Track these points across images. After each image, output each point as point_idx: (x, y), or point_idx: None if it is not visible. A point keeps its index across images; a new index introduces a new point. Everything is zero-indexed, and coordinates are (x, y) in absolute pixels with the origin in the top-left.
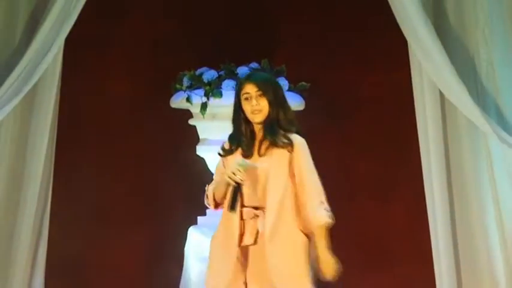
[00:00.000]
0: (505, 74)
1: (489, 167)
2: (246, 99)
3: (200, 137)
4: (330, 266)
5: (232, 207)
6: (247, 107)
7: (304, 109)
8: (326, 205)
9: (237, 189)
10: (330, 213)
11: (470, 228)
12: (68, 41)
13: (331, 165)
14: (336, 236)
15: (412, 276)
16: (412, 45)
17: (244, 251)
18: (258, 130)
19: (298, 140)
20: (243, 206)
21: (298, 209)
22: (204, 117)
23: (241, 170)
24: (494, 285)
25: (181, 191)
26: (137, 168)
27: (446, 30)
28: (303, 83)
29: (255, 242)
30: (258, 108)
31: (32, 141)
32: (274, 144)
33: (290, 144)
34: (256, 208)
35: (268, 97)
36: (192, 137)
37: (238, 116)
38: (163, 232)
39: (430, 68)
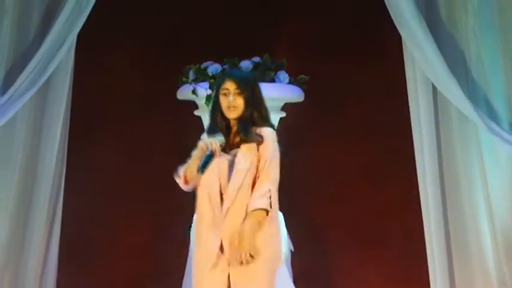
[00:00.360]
0: (494, 68)
1: (479, 155)
2: (224, 94)
3: (205, 127)
4: (244, 244)
5: (201, 170)
6: (224, 102)
7: (303, 100)
8: (270, 189)
9: (209, 157)
10: (269, 202)
11: (460, 212)
12: (80, 35)
13: (329, 152)
14: (334, 217)
15: (405, 257)
16: (406, 40)
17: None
18: (233, 125)
19: (268, 132)
20: (222, 195)
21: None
22: (208, 108)
23: (216, 142)
24: (484, 264)
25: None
26: (146, 155)
27: (438, 26)
28: (303, 76)
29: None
30: (233, 104)
31: (46, 130)
32: (245, 141)
33: (261, 141)
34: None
35: (245, 96)
36: (197, 127)
37: (216, 109)
38: (169, 214)
39: (423, 62)
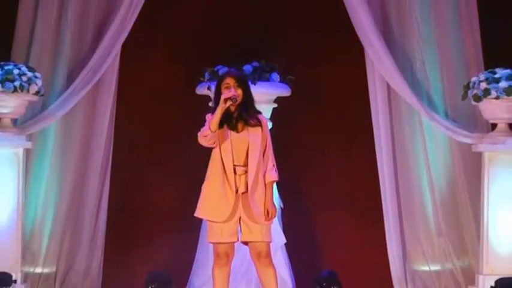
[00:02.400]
0: (433, 71)
1: (421, 135)
2: (226, 87)
3: None
4: (269, 209)
5: (220, 125)
6: (226, 94)
7: (290, 95)
8: (275, 167)
9: (225, 113)
10: (277, 173)
11: (408, 178)
12: (123, 45)
13: (309, 133)
14: (313, 183)
15: (367, 213)
16: (367, 49)
17: (237, 197)
18: (234, 111)
19: (265, 121)
20: (234, 165)
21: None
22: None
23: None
24: (425, 218)
25: (204, 153)
26: (173, 137)
27: (391, 40)
28: (290, 76)
29: (246, 190)
30: (238, 93)
31: (98, 115)
32: (246, 122)
33: (259, 123)
34: (243, 166)
35: (243, 88)
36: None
37: (218, 98)
38: (192, 180)
39: (380, 66)
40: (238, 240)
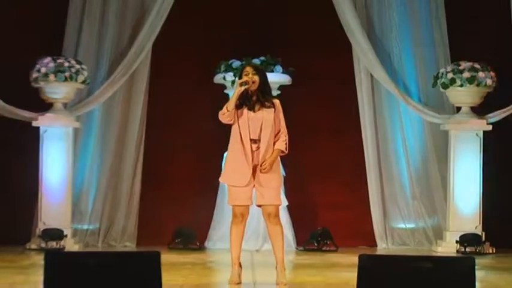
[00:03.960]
0: (408, 62)
1: (399, 116)
2: (246, 75)
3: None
4: (267, 163)
5: (239, 105)
6: (246, 79)
7: (291, 83)
8: (286, 139)
9: (244, 94)
10: (286, 145)
11: (387, 152)
12: (155, 41)
13: (306, 115)
14: (308, 157)
15: (353, 182)
16: (353, 45)
17: (254, 168)
18: (252, 95)
19: (277, 102)
20: (251, 139)
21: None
22: (233, 88)
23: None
24: (402, 184)
25: (221, 131)
26: (193, 118)
27: (373, 36)
28: (291, 68)
29: (259, 163)
30: (253, 80)
31: (133, 99)
32: (262, 104)
33: (273, 106)
34: (257, 141)
35: (259, 75)
36: (226, 100)
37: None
38: (211, 154)
39: (364, 59)
40: (252, 203)
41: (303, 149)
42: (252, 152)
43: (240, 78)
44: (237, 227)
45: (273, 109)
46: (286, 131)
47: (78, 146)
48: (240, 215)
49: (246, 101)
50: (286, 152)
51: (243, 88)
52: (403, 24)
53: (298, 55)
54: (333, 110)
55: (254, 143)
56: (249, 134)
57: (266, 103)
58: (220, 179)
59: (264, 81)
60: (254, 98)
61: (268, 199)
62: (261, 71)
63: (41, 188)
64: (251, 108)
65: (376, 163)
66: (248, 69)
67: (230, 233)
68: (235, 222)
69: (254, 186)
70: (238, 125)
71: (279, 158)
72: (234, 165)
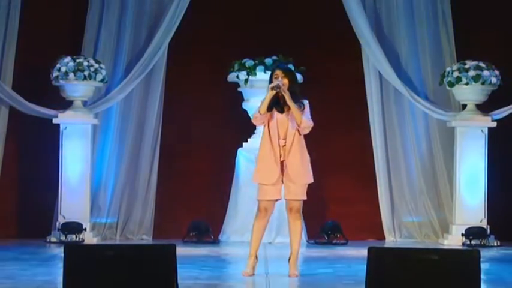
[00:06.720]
0: (415, 62)
1: (407, 113)
2: (276, 77)
3: (244, 98)
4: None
5: (269, 108)
6: (275, 82)
7: (303, 81)
8: (311, 122)
9: (274, 97)
10: (310, 122)
11: (396, 148)
12: (170, 42)
13: (317, 111)
14: (321, 153)
15: (361, 178)
16: (363, 45)
17: (282, 164)
18: (281, 97)
19: (306, 102)
20: (279, 137)
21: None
22: (246, 86)
23: (279, 84)
24: (410, 178)
25: (234, 128)
26: (210, 116)
27: (382, 37)
28: (302, 67)
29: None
30: (283, 82)
31: (150, 96)
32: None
33: (302, 106)
34: (284, 139)
35: (289, 78)
36: (240, 98)
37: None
38: (225, 150)
39: (373, 59)
40: (281, 198)
41: (314, 145)
42: (280, 147)
43: (270, 82)
44: (259, 222)
45: (302, 110)
46: (310, 118)
47: (97, 143)
48: (264, 210)
49: (276, 103)
50: (302, 112)
51: (274, 92)
52: (410, 25)
53: (310, 54)
54: (343, 108)
55: (281, 140)
56: (278, 134)
57: (298, 105)
58: (252, 180)
59: (293, 84)
60: (283, 100)
61: (293, 194)
62: (290, 74)
63: (60, 183)
64: (281, 111)
65: (385, 159)
66: (278, 72)
67: (253, 226)
68: (259, 217)
69: (282, 181)
70: (269, 127)
71: (308, 156)
72: (263, 165)
